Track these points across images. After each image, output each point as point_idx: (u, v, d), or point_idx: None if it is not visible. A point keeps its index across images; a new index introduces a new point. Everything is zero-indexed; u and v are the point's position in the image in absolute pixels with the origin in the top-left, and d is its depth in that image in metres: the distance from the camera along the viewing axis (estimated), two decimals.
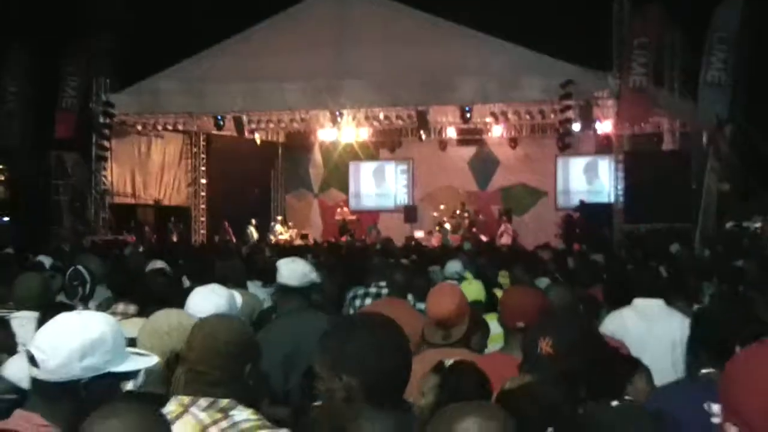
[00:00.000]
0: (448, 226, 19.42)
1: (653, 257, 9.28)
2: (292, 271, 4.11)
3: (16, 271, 5.35)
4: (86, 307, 4.79)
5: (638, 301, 4.43)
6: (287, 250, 12.15)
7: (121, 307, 4.39)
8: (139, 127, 18.57)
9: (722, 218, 14.47)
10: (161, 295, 4.26)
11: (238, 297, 3.47)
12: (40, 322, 2.70)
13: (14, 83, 17.58)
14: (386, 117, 17.81)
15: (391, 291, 5.22)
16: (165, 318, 2.78)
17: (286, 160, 23.02)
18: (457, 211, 20.08)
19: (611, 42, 15.48)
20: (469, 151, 21.33)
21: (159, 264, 6.07)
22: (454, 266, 7.03)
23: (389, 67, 16.11)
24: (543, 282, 5.63)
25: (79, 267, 5.29)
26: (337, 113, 17.03)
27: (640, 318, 4.34)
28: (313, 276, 4.16)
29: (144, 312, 4.03)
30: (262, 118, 18.14)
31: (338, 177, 22.67)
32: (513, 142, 20.53)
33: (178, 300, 3.42)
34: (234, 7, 21.34)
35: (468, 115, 16.79)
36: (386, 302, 5.03)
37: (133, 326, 2.90)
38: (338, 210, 21.40)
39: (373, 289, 5.80)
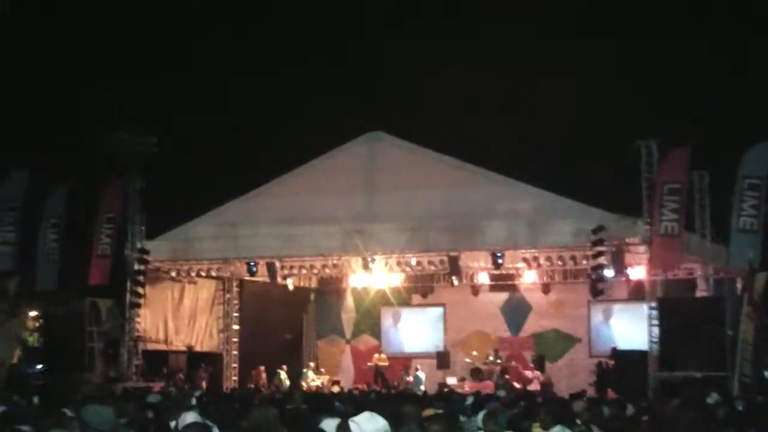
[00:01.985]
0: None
1: (689, 406, 9.42)
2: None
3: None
4: None
5: None
6: (318, 397, 12.39)
7: None
8: (173, 273, 19.38)
9: (759, 366, 14.49)
10: None
11: None
12: None
13: (53, 230, 18.47)
14: (418, 262, 18.38)
15: None
16: None
17: (318, 305, 23.74)
18: (490, 357, 20.49)
19: (641, 186, 16.06)
20: (501, 297, 21.88)
21: (191, 417, 5.97)
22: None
23: (419, 211, 17.09)
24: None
25: None
26: (369, 259, 17.67)
27: None
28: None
29: None
30: (294, 263, 18.85)
31: (370, 322, 23.27)
32: (545, 287, 21.06)
33: None
34: (266, 154, 22.77)
35: (499, 260, 17.23)
36: None
37: None
38: (375, 356, 21.75)
39: None
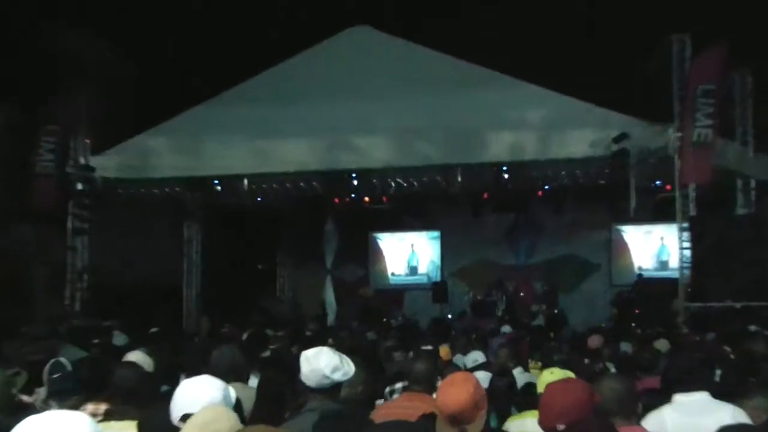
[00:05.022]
0: None
1: (727, 342, 9.17)
2: (313, 371, 4.18)
3: None
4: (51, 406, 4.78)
5: (678, 397, 4.43)
6: (297, 337, 12.11)
7: (90, 407, 4.43)
8: (125, 194, 18.62)
9: None
10: (130, 392, 4.27)
11: (232, 392, 3.49)
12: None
13: None
14: (409, 179, 17.84)
15: (413, 384, 5.18)
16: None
17: (294, 230, 23.27)
18: (493, 290, 20.28)
19: (670, 89, 15.57)
20: (507, 219, 21.72)
21: (134, 356, 6.01)
22: (474, 355, 7.06)
23: (412, 120, 16.45)
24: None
25: (62, 359, 5.32)
26: (353, 175, 17.20)
27: (682, 415, 4.33)
28: (338, 375, 4.20)
29: (115, 413, 4.10)
30: (267, 181, 18.22)
31: (355, 250, 22.92)
32: (558, 207, 20.68)
33: (157, 397, 3.40)
34: (234, 54, 22.01)
35: (505, 175, 16.80)
36: (406, 398, 5.02)
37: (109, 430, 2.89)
38: (360, 289, 21.57)
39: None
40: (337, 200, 20.80)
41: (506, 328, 14.10)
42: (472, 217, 21.36)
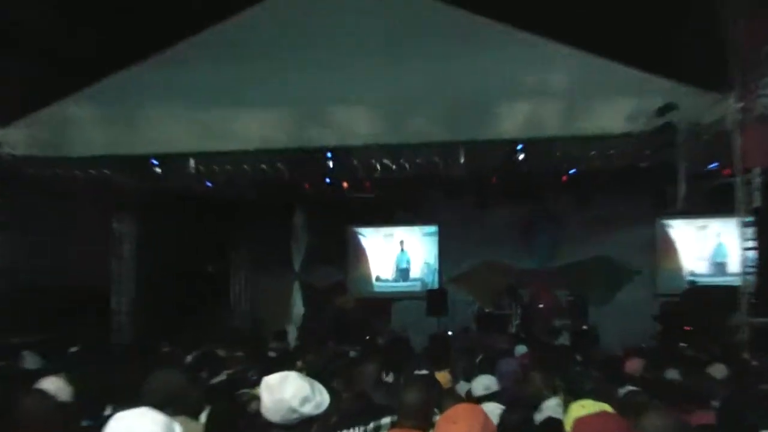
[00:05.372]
0: None
1: None
2: (276, 402, 4.20)
3: None
4: None
5: None
6: (257, 359, 12.12)
7: None
8: (38, 177, 18.40)
9: None
10: (39, 428, 4.34)
11: (178, 429, 3.51)
12: None
13: None
14: (399, 161, 17.70)
15: (403, 418, 5.17)
16: None
17: (253, 224, 23.36)
18: (505, 300, 20.51)
19: (730, 49, 15.36)
20: (522, 211, 21.89)
21: (48, 383, 6.01)
22: (484, 381, 7.06)
23: (402, 86, 16.41)
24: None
25: None
26: (329, 155, 17.14)
27: None
28: (308, 408, 4.21)
29: None
30: (219, 162, 18.09)
31: (331, 249, 23.12)
32: (587, 197, 20.72)
33: None
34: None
35: (519, 156, 16.83)
36: None
37: None
38: (338, 299, 21.91)
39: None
40: (308, 186, 20.68)
41: (521, 348, 14.14)
42: (478, 209, 21.46)
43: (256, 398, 5.49)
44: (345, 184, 20.18)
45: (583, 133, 16.21)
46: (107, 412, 5.93)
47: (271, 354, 13.15)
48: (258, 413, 4.69)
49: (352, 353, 13.79)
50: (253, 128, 16.86)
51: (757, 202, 15.44)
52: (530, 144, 16.53)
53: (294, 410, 4.12)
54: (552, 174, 19.01)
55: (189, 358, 11.34)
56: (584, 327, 19.43)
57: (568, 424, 4.46)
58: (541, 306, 20.55)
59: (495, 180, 19.75)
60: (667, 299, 19.34)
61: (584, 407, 4.79)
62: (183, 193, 19.60)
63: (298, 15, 17.84)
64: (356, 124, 16.63)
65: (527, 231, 22.22)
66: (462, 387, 8.74)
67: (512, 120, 16.17)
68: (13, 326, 16.92)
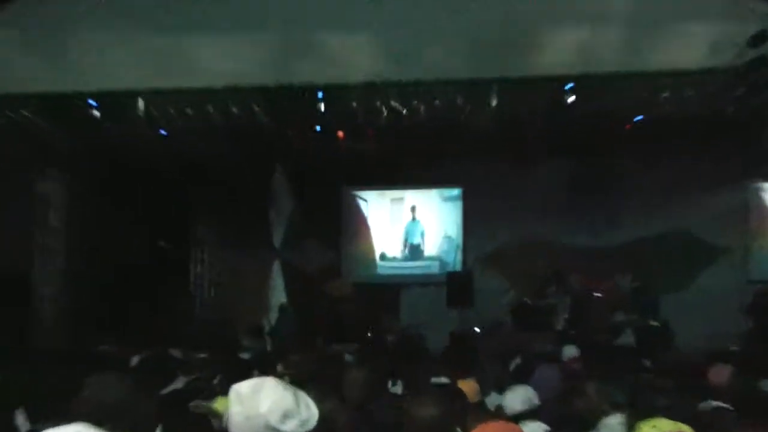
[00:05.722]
0: None
1: None
2: (249, 418, 4.19)
3: None
4: None
5: None
6: (224, 362, 12.14)
7: None
8: None
9: None
10: None
11: None
12: None
13: None
14: (412, 103, 17.86)
15: None
16: None
17: (220, 186, 23.35)
18: (549, 287, 20.58)
19: None
20: (571, 171, 21.89)
21: None
22: (521, 393, 7.08)
23: (416, 8, 16.28)
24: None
25: None
26: (319, 95, 17.30)
27: None
28: (291, 426, 4.22)
29: None
30: (174, 103, 18.30)
31: (322, 218, 23.22)
32: (656, 152, 20.81)
33: None
34: None
35: (568, 98, 17.01)
36: None
37: None
38: (330, 284, 22.02)
39: None
40: (292, 136, 20.66)
41: (571, 350, 14.08)
42: (514, 167, 21.58)
43: (217, 413, 5.52)
44: (340, 134, 20.27)
45: (652, 69, 16.40)
46: (25, 429, 5.92)
47: (244, 355, 13.16)
48: None
49: (348, 356, 13.80)
50: (222, 60, 16.92)
51: None
52: (583, 83, 16.78)
53: (272, 428, 4.11)
54: (611, 122, 19.14)
55: (135, 361, 11.36)
56: (653, 323, 19.39)
57: None
58: (596, 295, 20.52)
59: (537, 129, 19.79)
60: (763, 287, 19.23)
61: (656, 428, 4.79)
62: (129, 145, 19.58)
63: None
64: (355, 56, 16.73)
65: (578, 197, 22.11)
66: (492, 400, 8.74)
67: (559, 52, 16.29)
68: None
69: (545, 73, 16.51)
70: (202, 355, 12.61)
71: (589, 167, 21.85)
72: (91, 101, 17.89)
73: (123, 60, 16.99)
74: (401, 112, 17.73)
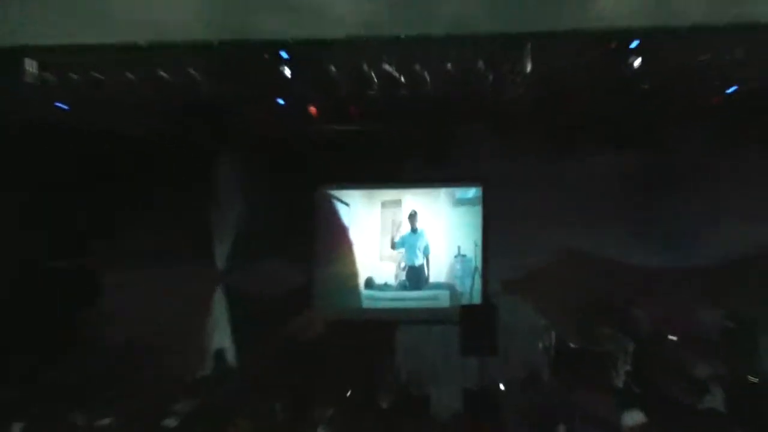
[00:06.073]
0: None
1: None
2: None
3: None
4: None
5: None
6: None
7: None
8: None
9: None
10: None
11: None
12: None
13: None
14: (414, 70, 17.79)
15: None
16: None
17: (143, 180, 22.94)
18: (605, 325, 20.24)
19: None
20: (635, 163, 21.70)
21: None
22: None
23: None
24: None
25: None
26: (283, 55, 17.30)
27: None
28: None
29: None
30: (81, 64, 18.16)
31: (285, 228, 23.00)
32: (753, 136, 20.62)
33: None
34: None
35: (633, 61, 16.83)
36: None
37: None
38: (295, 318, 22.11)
39: None
40: (245, 111, 20.75)
41: (635, 416, 14.83)
42: (553, 158, 21.29)
43: None
44: (313, 110, 20.12)
45: (747, 21, 16.23)
46: None
47: (169, 422, 12.77)
48: None
49: (319, 424, 13.51)
50: (146, 6, 17.01)
51: None
52: (652, 40, 16.64)
53: None
54: (692, 95, 19.00)
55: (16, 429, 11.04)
56: (752, 378, 18.82)
57: None
58: (671, 338, 20.04)
59: (586, 105, 19.63)
60: None
61: None
62: (12, 123, 19.30)
63: None
64: (339, 6, 16.77)
65: (644, 199, 21.57)
66: None
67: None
68: None
69: (600, 26, 16.40)
70: (109, 421, 12.33)
71: (659, 158, 21.54)
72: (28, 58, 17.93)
73: (5, 6, 17.11)
74: (398, 81, 17.68)
